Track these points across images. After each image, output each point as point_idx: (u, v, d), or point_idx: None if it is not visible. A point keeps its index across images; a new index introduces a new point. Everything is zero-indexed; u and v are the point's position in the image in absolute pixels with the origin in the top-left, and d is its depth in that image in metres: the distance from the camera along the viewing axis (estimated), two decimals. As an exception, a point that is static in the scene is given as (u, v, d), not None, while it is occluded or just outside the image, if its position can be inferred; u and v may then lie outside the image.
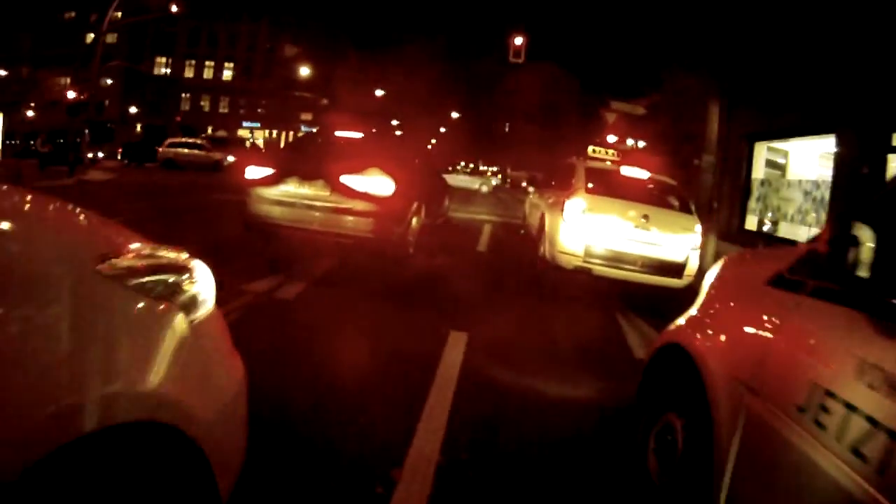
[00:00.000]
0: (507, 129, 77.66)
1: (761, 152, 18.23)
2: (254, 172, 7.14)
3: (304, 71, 51.37)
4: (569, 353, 5.13)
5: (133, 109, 56.83)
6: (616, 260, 7.24)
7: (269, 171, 7.04)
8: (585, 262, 7.24)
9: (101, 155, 32.23)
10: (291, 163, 7.30)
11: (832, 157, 14.49)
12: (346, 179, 6.68)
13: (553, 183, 9.75)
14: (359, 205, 6.67)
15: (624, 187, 7.83)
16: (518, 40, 20.24)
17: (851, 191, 12.60)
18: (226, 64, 65.21)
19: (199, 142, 31.57)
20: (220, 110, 64.93)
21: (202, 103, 65.06)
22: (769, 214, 16.90)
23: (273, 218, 6.93)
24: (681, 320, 2.83)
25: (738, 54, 17.99)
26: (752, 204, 18.00)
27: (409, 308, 5.82)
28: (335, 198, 6.70)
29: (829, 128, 13.90)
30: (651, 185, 8.19)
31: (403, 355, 4.32)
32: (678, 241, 7.27)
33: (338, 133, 8.13)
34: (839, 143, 13.52)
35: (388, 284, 6.75)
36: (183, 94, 64.45)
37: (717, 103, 19.77)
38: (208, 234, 8.83)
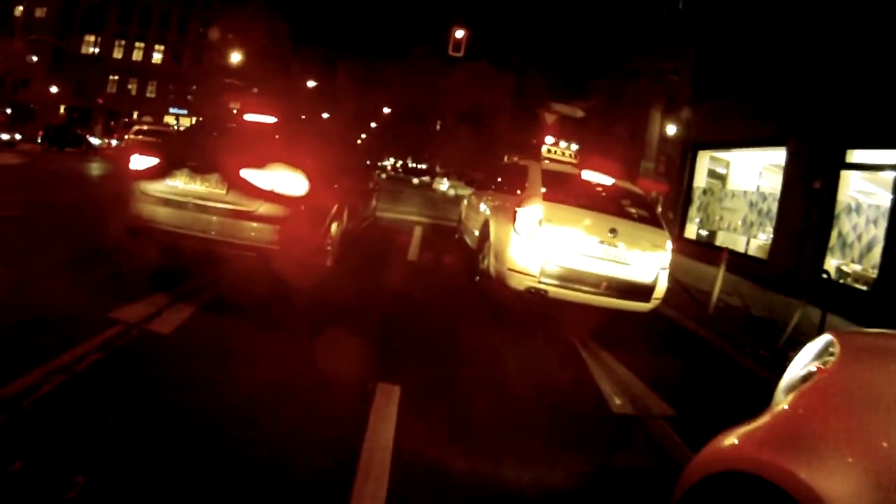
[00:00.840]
0: (437, 128, 76.72)
1: (704, 161, 17.95)
2: (138, 162, 5.63)
3: (236, 57, 48.68)
4: (532, 411, 3.97)
5: (54, 89, 52.41)
6: (576, 281, 6.10)
7: (154, 160, 5.55)
8: (541, 282, 6.09)
9: (18, 137, 29.55)
10: (184, 151, 5.71)
11: (776, 168, 14.24)
12: (247, 174, 5.21)
13: (493, 187, 8.60)
14: (262, 207, 5.21)
15: (586, 195, 6.72)
16: (459, 33, 19.42)
17: (801, 204, 12.30)
18: (156, 46, 61.09)
19: (168, 129, 28.88)
20: (148, 95, 60.81)
21: (129, 87, 60.77)
22: (699, 221, 16.48)
23: (158, 221, 5.38)
24: (744, 432, 1.77)
25: (690, 63, 17.52)
26: (693, 212, 17.67)
27: (323, 347, 4.44)
28: (233, 198, 5.21)
29: (778, 140, 13.60)
30: (616, 194, 7.11)
31: (313, 433, 3.04)
32: (647, 260, 6.23)
33: (247, 117, 6.42)
34: (790, 156, 13.19)
35: (298, 311, 5.30)
36: (111, 76, 60.12)
37: (660, 109, 19.36)
38: (92, 236, 7.27)
